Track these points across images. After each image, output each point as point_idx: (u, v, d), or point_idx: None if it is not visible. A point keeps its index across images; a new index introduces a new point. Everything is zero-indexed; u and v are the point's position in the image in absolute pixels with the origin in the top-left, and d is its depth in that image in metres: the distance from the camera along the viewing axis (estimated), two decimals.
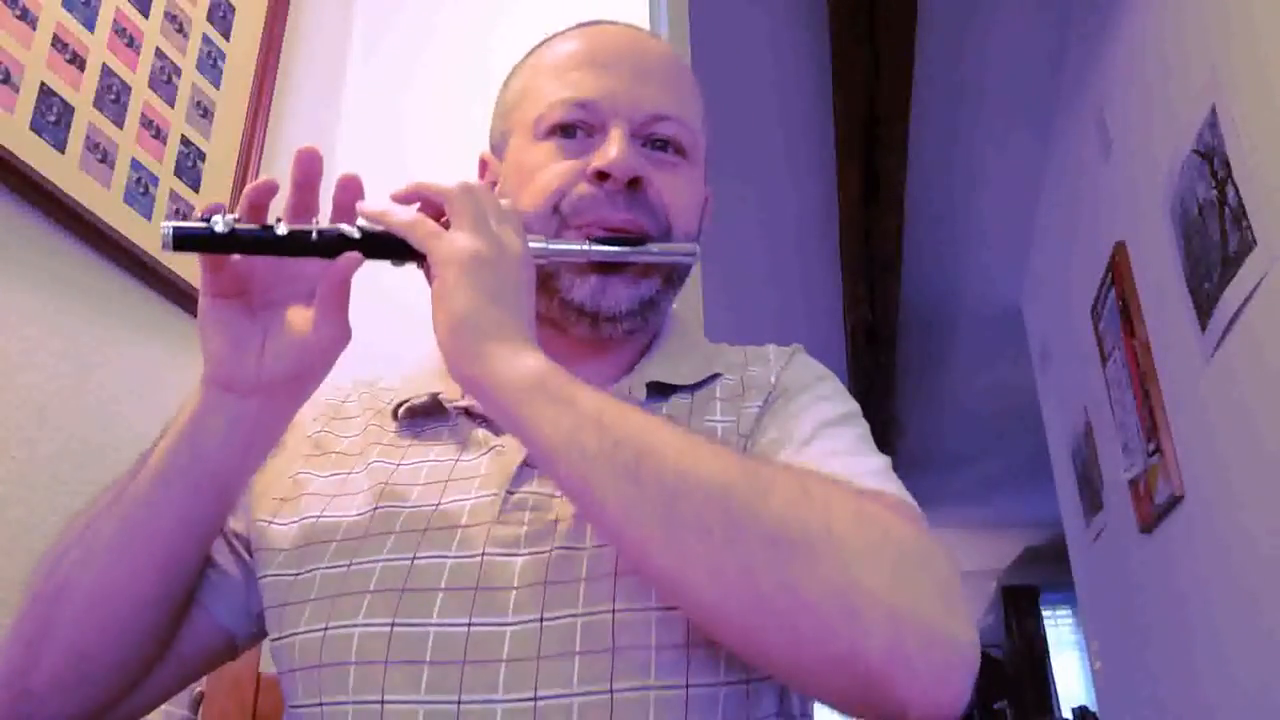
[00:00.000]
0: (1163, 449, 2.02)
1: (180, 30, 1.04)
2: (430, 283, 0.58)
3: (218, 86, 1.10)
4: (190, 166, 1.04)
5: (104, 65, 0.93)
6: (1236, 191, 1.53)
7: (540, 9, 1.21)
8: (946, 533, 7.16)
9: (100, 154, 0.91)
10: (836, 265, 3.40)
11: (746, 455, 0.55)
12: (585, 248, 0.66)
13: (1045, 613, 7.17)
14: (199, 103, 1.06)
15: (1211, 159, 1.62)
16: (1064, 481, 3.31)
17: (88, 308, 0.91)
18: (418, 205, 0.61)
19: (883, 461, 0.62)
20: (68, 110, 0.88)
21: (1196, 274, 1.74)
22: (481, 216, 0.59)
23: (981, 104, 2.76)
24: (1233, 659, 1.79)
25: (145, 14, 0.99)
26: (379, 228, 0.59)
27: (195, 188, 1.04)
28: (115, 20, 0.94)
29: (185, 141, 1.03)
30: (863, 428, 0.66)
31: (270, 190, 0.58)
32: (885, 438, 5.08)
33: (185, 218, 1.02)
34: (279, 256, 0.58)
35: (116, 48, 0.94)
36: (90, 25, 0.91)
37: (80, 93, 0.89)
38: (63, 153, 0.87)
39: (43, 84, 0.85)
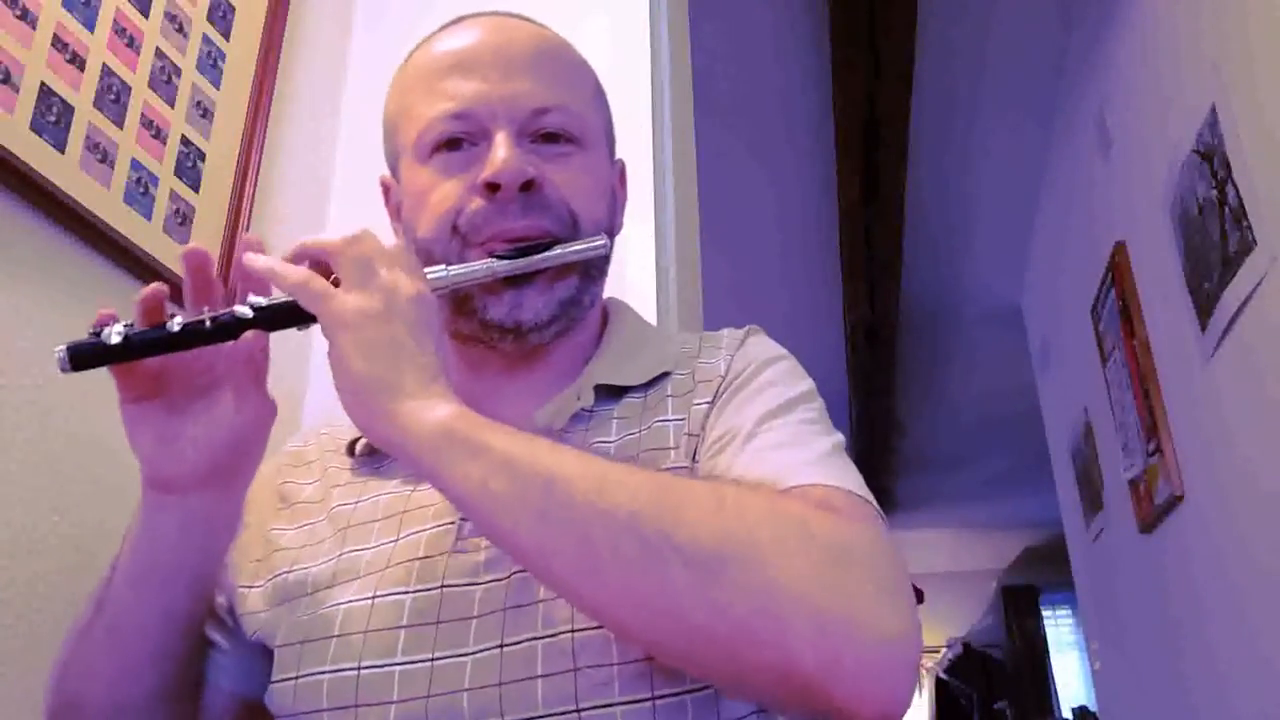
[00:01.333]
0: (1163, 449, 2.02)
1: (180, 30, 1.04)
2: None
3: (218, 86, 1.10)
4: (190, 166, 1.04)
5: (104, 65, 0.93)
6: (1236, 191, 1.53)
7: (538, 8, 1.21)
8: (946, 533, 7.16)
9: (100, 154, 0.91)
10: (836, 265, 3.40)
11: (659, 473, 0.54)
12: (488, 265, 0.63)
13: (1045, 613, 7.16)
14: (199, 103, 1.06)
15: (1211, 159, 1.62)
16: (1064, 481, 3.30)
17: (88, 308, 0.91)
18: (308, 263, 0.58)
19: (826, 445, 0.60)
20: (68, 110, 0.88)
21: (1196, 274, 1.74)
22: (367, 268, 0.56)
23: (981, 104, 2.76)
24: (1232, 658, 1.79)
25: (145, 14, 0.99)
26: (274, 301, 0.57)
27: (195, 188, 1.04)
28: (115, 20, 0.94)
29: (185, 141, 1.03)
30: (811, 411, 0.64)
31: (159, 296, 0.57)
32: (885, 438, 5.07)
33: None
34: (180, 351, 0.57)
35: (116, 48, 0.94)
36: (90, 25, 0.91)
37: (80, 93, 0.89)
38: (63, 153, 0.87)
39: (43, 84, 0.85)
